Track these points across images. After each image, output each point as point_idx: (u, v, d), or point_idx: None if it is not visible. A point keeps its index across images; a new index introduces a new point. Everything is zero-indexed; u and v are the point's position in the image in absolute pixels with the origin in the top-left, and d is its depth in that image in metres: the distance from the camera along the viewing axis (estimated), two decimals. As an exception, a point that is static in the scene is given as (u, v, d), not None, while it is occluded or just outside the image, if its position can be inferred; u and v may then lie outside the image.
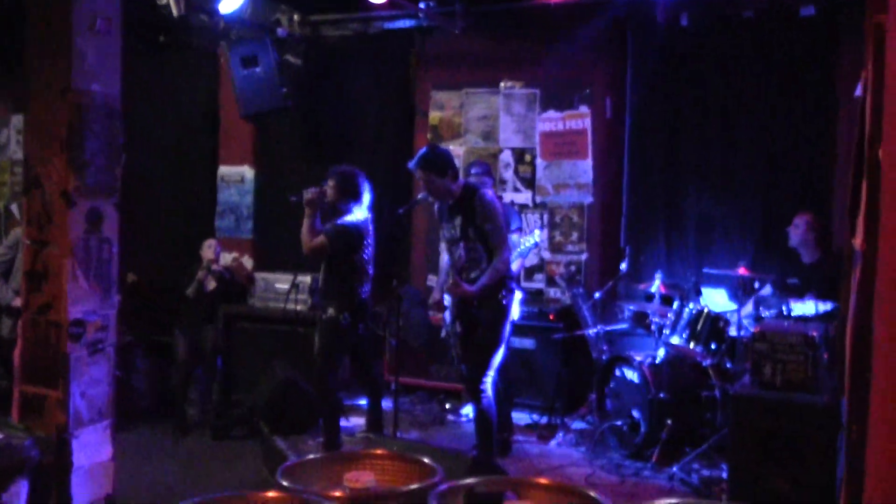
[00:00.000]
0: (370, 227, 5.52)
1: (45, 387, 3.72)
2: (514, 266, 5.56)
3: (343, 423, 5.93)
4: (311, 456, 3.14)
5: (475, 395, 4.99)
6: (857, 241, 1.48)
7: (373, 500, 2.64)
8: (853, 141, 1.77)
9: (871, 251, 1.33)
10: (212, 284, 6.78)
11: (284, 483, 2.75)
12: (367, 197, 5.54)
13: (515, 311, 5.17)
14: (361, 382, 6.01)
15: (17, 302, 5.23)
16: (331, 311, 5.40)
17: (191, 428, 6.45)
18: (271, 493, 2.66)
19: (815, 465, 4.13)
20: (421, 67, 7.60)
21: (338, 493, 2.67)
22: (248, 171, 7.99)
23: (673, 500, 2.79)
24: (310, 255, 5.40)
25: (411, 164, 5.11)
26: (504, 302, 5.00)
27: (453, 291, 5.04)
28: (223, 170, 8.07)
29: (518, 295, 5.18)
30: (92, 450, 3.80)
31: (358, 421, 6.26)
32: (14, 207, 8.14)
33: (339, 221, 5.42)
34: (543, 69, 7.13)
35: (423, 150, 5.19)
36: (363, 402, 6.27)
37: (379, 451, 3.14)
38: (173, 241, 8.04)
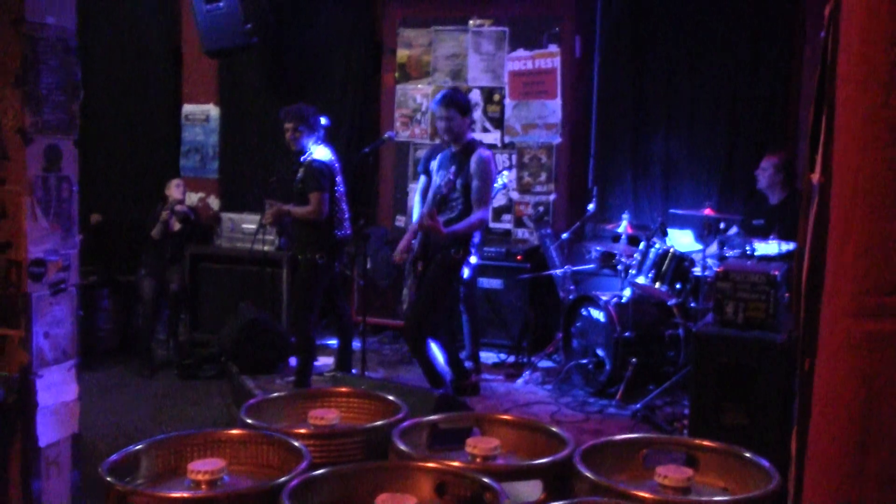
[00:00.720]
0: (337, 165, 5.48)
1: (7, 327, 3.67)
2: None
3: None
4: (276, 394, 3.15)
5: (412, 343, 5.14)
6: (815, 176, 1.49)
7: (336, 437, 2.66)
8: (815, 79, 1.76)
9: (827, 184, 1.34)
10: (177, 225, 6.71)
11: (248, 420, 2.76)
12: (321, 133, 5.53)
13: (466, 272, 5.26)
14: (333, 322, 6.04)
15: (-23, 242, 5.14)
16: (307, 252, 5.38)
17: (158, 368, 6.45)
18: (235, 431, 2.67)
19: (772, 401, 4.22)
20: (388, 3, 7.46)
21: (302, 431, 2.69)
22: (213, 110, 7.86)
23: (635, 435, 2.85)
24: (317, 216, 5.32)
25: (434, 103, 5.27)
26: (456, 258, 5.09)
27: (426, 222, 5.06)
28: (187, 108, 7.92)
29: (473, 260, 5.26)
30: (56, 389, 3.77)
31: (326, 360, 6.29)
32: (-28, 146, 7.93)
33: (304, 160, 5.38)
34: (513, 7, 7.04)
35: (445, 90, 5.45)
36: (332, 342, 6.30)
37: (344, 389, 3.16)
38: (138, 180, 7.93)
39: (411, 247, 5.40)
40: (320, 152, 5.43)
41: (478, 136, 7.14)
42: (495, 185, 5.90)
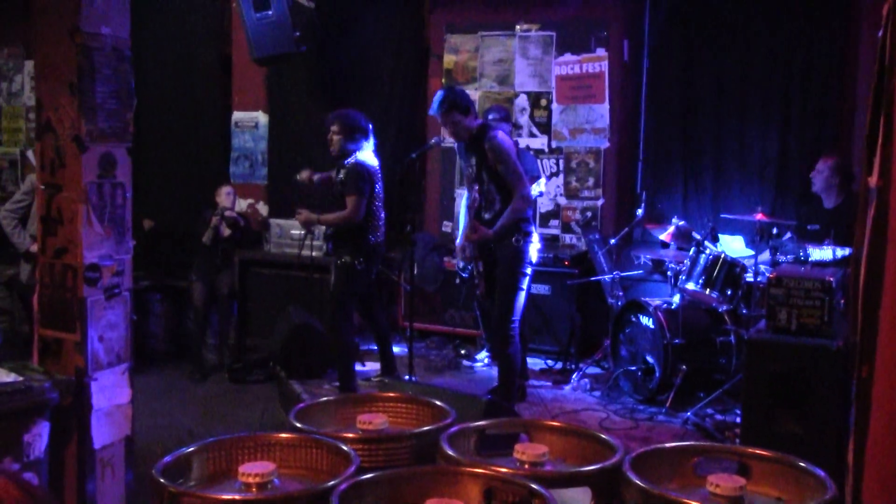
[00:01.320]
0: (379, 172, 5.49)
1: (63, 331, 3.75)
2: None
3: (359, 367, 5.99)
4: (325, 398, 3.16)
5: (501, 341, 5.03)
6: (873, 179, 1.45)
7: (385, 441, 2.66)
8: (873, 80, 1.72)
9: (886, 187, 1.30)
10: (227, 231, 6.80)
11: (298, 424, 2.77)
12: (368, 140, 5.50)
13: (533, 255, 5.17)
14: (369, 328, 6.06)
15: (35, 248, 5.27)
16: (346, 256, 5.41)
17: (208, 372, 6.53)
18: (284, 434, 2.69)
19: (828, 409, 4.13)
20: (435, 9, 7.48)
21: (350, 435, 2.69)
22: (261, 117, 7.96)
23: (686, 443, 2.80)
24: (353, 218, 5.33)
25: (433, 110, 5.11)
26: (517, 246, 4.99)
27: (471, 238, 5.06)
28: (237, 115, 8.03)
29: (535, 238, 5.18)
30: (110, 392, 3.84)
31: (374, 365, 6.30)
32: (30, 153, 8.16)
33: (348, 162, 5.39)
34: (560, 11, 7.01)
35: (441, 92, 5.16)
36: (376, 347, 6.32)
37: (392, 394, 3.16)
38: (188, 187, 8.05)
39: (466, 247, 5.37)
40: (364, 156, 5.45)
41: (525, 141, 7.13)
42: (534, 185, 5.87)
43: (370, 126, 5.54)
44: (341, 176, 5.41)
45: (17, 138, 8.82)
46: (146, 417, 4.96)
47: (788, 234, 5.63)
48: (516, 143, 5.89)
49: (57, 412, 3.60)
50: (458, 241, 5.61)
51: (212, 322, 6.92)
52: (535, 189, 5.90)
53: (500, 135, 5.09)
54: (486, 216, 5.04)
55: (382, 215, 5.53)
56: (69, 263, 3.69)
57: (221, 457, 2.58)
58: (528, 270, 5.10)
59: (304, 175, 5.93)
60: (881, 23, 1.69)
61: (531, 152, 6.98)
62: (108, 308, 3.82)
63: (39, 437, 3.52)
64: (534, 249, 5.16)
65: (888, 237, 1.25)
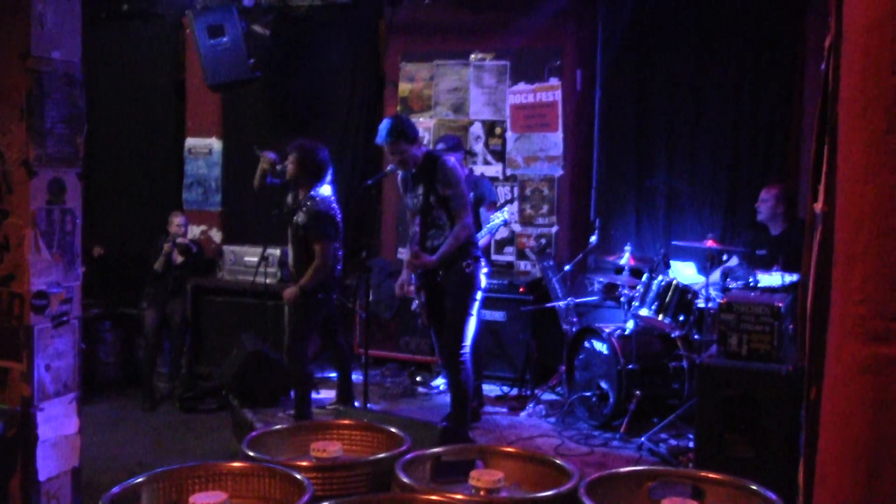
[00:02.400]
0: (337, 207, 5.46)
1: (9, 359, 3.67)
2: (482, 241, 5.57)
3: (314, 395, 5.92)
4: (278, 426, 3.13)
5: (453, 367, 5.00)
6: (819, 205, 1.49)
7: (339, 469, 2.64)
8: (817, 110, 1.77)
9: (831, 212, 1.34)
10: (179, 258, 6.72)
11: (250, 453, 2.74)
12: (327, 176, 5.46)
13: (483, 280, 5.16)
14: (331, 355, 6.01)
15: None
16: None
17: (159, 400, 6.42)
18: (237, 463, 2.65)
19: (778, 432, 4.19)
20: (390, 37, 7.52)
21: (304, 463, 2.66)
22: (215, 143, 7.91)
23: (640, 468, 2.82)
24: (328, 266, 5.28)
25: (380, 139, 5.03)
26: (468, 271, 4.99)
27: (413, 265, 5.04)
28: (190, 141, 7.97)
29: (483, 266, 5.17)
30: (57, 422, 3.76)
31: (329, 393, 6.25)
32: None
33: (308, 204, 5.33)
34: (514, 40, 7.09)
35: (387, 121, 5.09)
36: (333, 374, 6.27)
37: (346, 421, 3.14)
38: (140, 213, 7.95)
39: (409, 281, 5.37)
40: (323, 191, 5.39)
41: (480, 168, 7.18)
42: (493, 216, 5.90)
43: (327, 161, 5.49)
44: (303, 219, 5.29)
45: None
46: (95, 448, 4.86)
47: (736, 259, 5.73)
48: (470, 171, 5.93)
49: (1, 443, 3.52)
50: (402, 272, 5.58)
51: (163, 350, 6.82)
52: (500, 217, 5.92)
53: (452, 160, 5.09)
54: (436, 243, 5.01)
55: (340, 246, 5.50)
56: (16, 291, 3.62)
57: (171, 487, 2.54)
58: (479, 296, 5.09)
59: (268, 157, 5.78)
60: (824, 54, 1.74)
61: (487, 179, 7.03)
62: (56, 336, 3.75)
63: (-18, 470, 3.42)
64: (483, 275, 5.15)
65: (834, 260, 1.29)
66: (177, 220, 6.86)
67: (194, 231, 7.75)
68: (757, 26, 6.46)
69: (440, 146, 6.01)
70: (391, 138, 4.96)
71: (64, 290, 3.75)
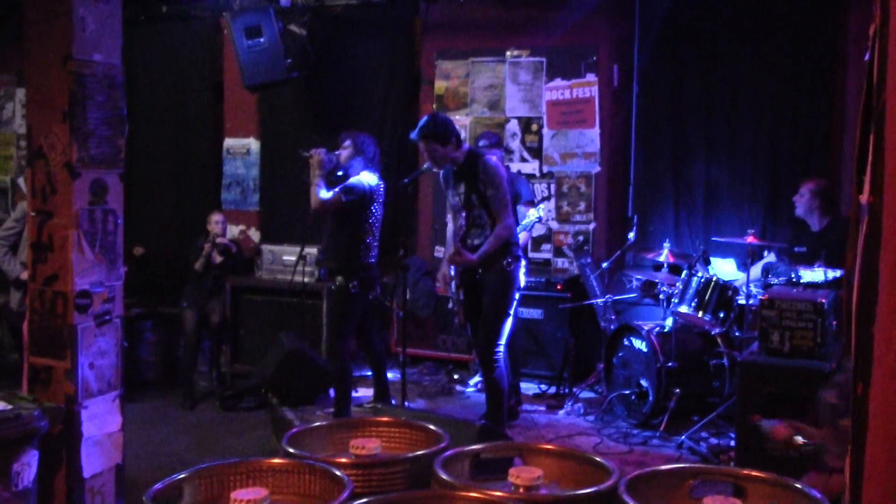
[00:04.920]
0: (381, 192, 5.50)
1: (53, 358, 3.73)
2: (521, 238, 5.55)
3: (353, 393, 5.95)
4: (317, 423, 3.14)
5: (487, 365, 5.00)
6: (864, 196, 1.45)
7: (378, 467, 2.64)
8: (861, 100, 1.73)
9: (878, 202, 1.31)
10: (218, 258, 6.78)
11: (290, 449, 2.75)
12: (377, 163, 5.55)
13: (522, 279, 5.16)
14: (365, 354, 6.04)
15: (26, 275, 5.25)
16: (339, 279, 5.40)
17: (199, 399, 6.49)
18: (276, 460, 2.66)
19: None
20: (426, 36, 7.53)
21: (343, 460, 2.67)
22: (253, 143, 7.98)
23: (681, 465, 2.78)
24: (319, 209, 5.35)
25: (413, 135, 5.08)
26: (508, 270, 4.98)
27: (455, 260, 5.04)
28: (229, 142, 8.05)
29: (523, 264, 5.16)
30: (101, 420, 3.81)
31: (366, 391, 6.28)
32: (21, 181, 8.15)
33: (348, 181, 5.41)
34: (550, 36, 7.06)
35: (423, 118, 5.12)
36: (370, 373, 6.29)
37: (385, 419, 3.14)
38: (180, 213, 8.05)
39: (449, 275, 5.38)
40: (366, 176, 5.46)
41: (516, 166, 7.16)
42: (529, 213, 5.88)
43: (378, 151, 5.59)
44: (337, 186, 5.40)
45: (7, 166, 8.81)
46: (136, 446, 4.92)
47: (773, 256, 5.64)
48: (508, 169, 5.91)
49: (46, 441, 3.57)
50: (441, 267, 5.58)
51: (203, 349, 6.89)
52: (534, 214, 5.90)
53: (494, 160, 5.09)
54: (476, 242, 5.01)
55: (377, 236, 5.52)
56: (60, 290, 3.68)
57: (213, 483, 2.56)
58: (517, 296, 5.09)
59: (318, 155, 5.73)
60: (868, 44, 1.70)
61: (524, 177, 7.00)
62: (99, 335, 3.80)
63: (28, 467, 3.48)
64: (522, 274, 5.16)
65: (881, 251, 1.26)
66: (215, 219, 6.93)
67: (233, 231, 7.83)
68: (795, 19, 6.35)
69: (482, 143, 6.02)
70: (420, 136, 4.99)
71: (106, 290, 3.80)
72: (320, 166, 5.39)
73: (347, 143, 5.52)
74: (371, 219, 5.44)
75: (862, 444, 1.38)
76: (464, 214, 5.07)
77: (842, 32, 6.22)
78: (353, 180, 5.39)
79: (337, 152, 5.54)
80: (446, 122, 5.09)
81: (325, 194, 5.32)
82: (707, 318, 5.40)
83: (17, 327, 5.97)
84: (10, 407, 3.48)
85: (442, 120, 5.11)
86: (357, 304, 5.45)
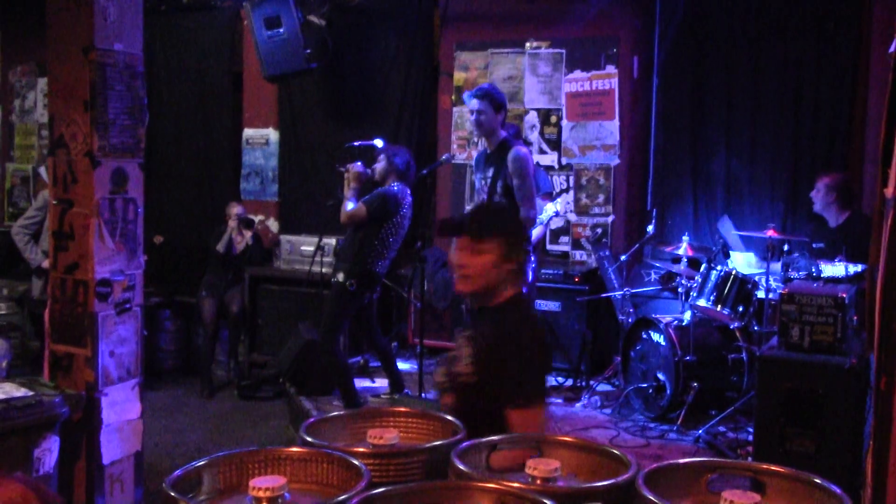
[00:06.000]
0: (409, 201, 5.52)
1: (74, 345, 3.76)
2: (535, 232, 5.55)
3: (369, 384, 5.98)
4: (335, 413, 3.14)
5: None
6: (889, 190, 1.44)
7: (396, 456, 2.64)
8: (885, 94, 1.71)
9: (905, 195, 1.29)
10: (241, 244, 6.78)
11: (308, 438, 2.76)
12: (411, 177, 5.66)
13: (529, 275, 5.17)
14: (369, 348, 6.08)
15: (47, 263, 5.29)
16: (340, 275, 5.44)
17: (217, 388, 6.53)
18: (295, 449, 2.67)
19: (841, 427, 4.09)
20: (445, 27, 7.51)
21: (361, 449, 2.67)
22: (272, 134, 7.99)
23: (699, 459, 2.77)
24: (348, 222, 5.45)
25: (470, 93, 5.18)
26: None
27: None
28: (248, 132, 8.07)
29: (531, 259, 5.18)
30: (120, 407, 3.84)
31: (383, 382, 6.29)
32: (42, 170, 8.21)
33: (373, 193, 5.47)
34: (570, 28, 7.02)
35: (483, 84, 5.30)
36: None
37: (402, 409, 3.13)
38: (199, 203, 8.09)
39: None
40: (394, 189, 5.53)
41: (535, 158, 7.12)
42: (544, 210, 5.86)
43: (413, 167, 5.67)
44: (366, 197, 5.53)
45: (29, 155, 8.88)
46: (155, 434, 4.96)
47: (795, 252, 5.59)
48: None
49: (67, 427, 3.60)
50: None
51: (221, 338, 6.93)
52: (552, 209, 5.88)
53: (525, 150, 5.15)
54: None
55: (395, 247, 5.55)
56: (80, 278, 3.70)
57: (232, 471, 2.56)
58: (524, 290, 5.09)
59: (356, 170, 5.66)
60: (893, 36, 1.68)
61: (542, 169, 6.98)
62: (119, 323, 3.83)
63: (49, 452, 3.52)
64: (530, 269, 5.17)
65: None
66: (234, 209, 6.96)
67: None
68: (818, 11, 6.28)
69: (502, 134, 6.01)
70: (479, 94, 5.09)
71: (126, 278, 3.83)
72: (357, 180, 5.45)
73: (382, 156, 5.60)
74: (390, 229, 5.46)
75: (886, 437, 1.37)
76: (484, 198, 5.09)
77: (865, 24, 6.15)
78: (377, 192, 5.47)
79: (373, 166, 5.60)
80: (503, 95, 5.27)
81: (350, 206, 5.37)
82: (726, 311, 5.37)
83: (39, 315, 6.03)
84: (31, 393, 3.52)
85: (500, 91, 5.30)
86: (352, 303, 5.49)
